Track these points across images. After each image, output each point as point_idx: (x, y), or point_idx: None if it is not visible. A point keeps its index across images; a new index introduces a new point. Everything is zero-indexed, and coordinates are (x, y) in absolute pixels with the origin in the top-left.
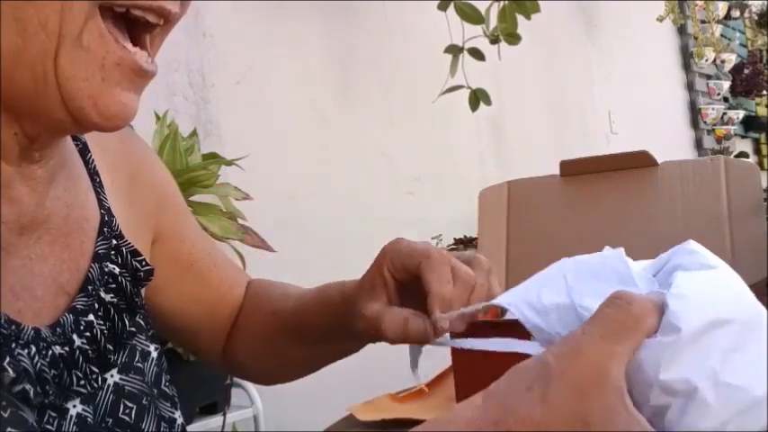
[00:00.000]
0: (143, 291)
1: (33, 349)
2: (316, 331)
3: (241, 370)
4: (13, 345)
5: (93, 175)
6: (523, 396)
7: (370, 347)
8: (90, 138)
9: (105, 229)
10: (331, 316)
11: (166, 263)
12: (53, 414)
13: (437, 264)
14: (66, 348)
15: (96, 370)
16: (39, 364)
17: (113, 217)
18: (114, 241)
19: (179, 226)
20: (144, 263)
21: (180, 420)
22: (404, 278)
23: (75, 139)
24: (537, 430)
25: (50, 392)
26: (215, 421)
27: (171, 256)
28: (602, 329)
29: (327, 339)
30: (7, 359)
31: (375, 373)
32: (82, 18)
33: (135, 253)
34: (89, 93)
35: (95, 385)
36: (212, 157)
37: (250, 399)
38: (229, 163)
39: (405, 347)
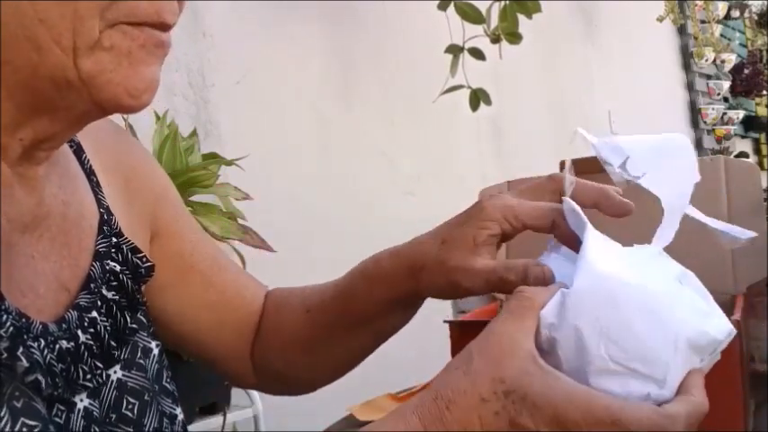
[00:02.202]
0: (144, 288)
1: (42, 342)
2: (368, 310)
3: (277, 381)
4: (25, 336)
5: (90, 174)
6: (452, 374)
7: None
8: (84, 140)
9: (105, 228)
10: (391, 286)
11: (167, 262)
12: (61, 407)
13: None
14: (72, 343)
15: (101, 365)
16: (48, 356)
17: (112, 215)
18: (114, 239)
19: (178, 226)
20: (144, 259)
21: (181, 416)
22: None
23: (68, 140)
24: (466, 396)
25: (60, 385)
26: (215, 421)
27: (171, 255)
28: (507, 313)
29: (382, 315)
30: (21, 349)
31: (375, 373)
32: (96, 29)
33: (135, 250)
34: (117, 80)
35: (100, 380)
36: (212, 157)
37: (250, 399)
38: (229, 163)
39: (403, 349)
